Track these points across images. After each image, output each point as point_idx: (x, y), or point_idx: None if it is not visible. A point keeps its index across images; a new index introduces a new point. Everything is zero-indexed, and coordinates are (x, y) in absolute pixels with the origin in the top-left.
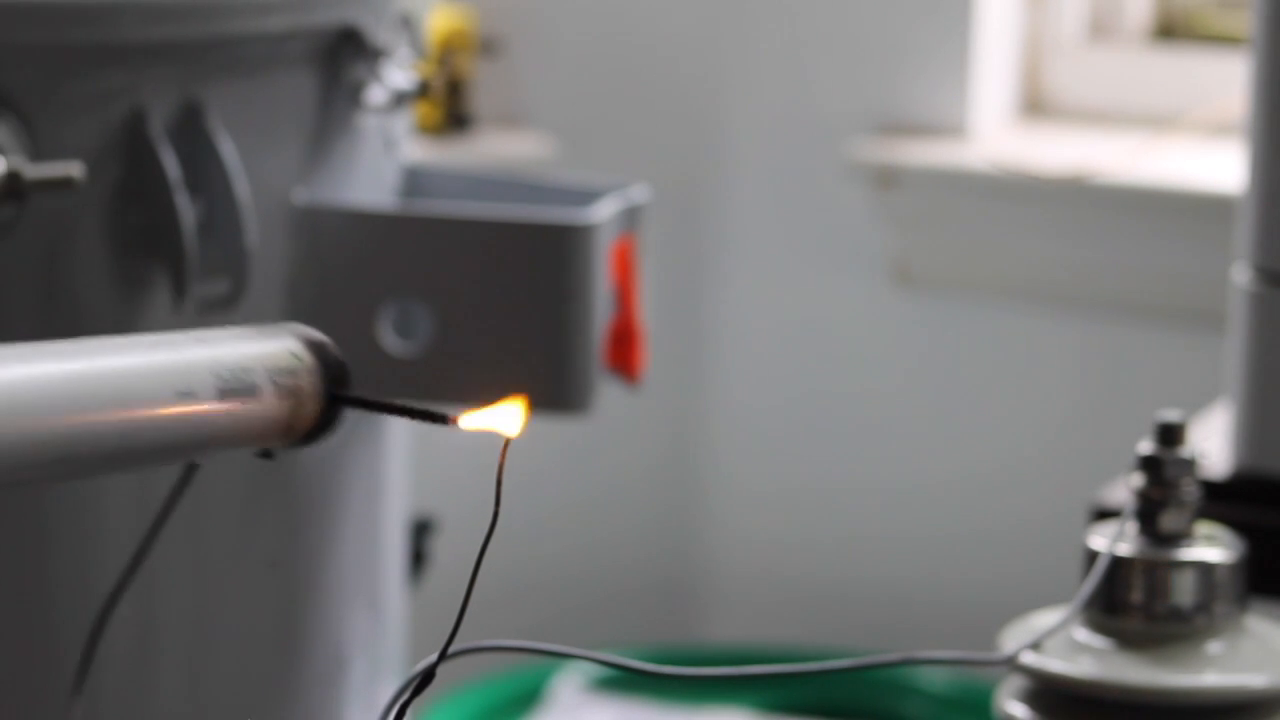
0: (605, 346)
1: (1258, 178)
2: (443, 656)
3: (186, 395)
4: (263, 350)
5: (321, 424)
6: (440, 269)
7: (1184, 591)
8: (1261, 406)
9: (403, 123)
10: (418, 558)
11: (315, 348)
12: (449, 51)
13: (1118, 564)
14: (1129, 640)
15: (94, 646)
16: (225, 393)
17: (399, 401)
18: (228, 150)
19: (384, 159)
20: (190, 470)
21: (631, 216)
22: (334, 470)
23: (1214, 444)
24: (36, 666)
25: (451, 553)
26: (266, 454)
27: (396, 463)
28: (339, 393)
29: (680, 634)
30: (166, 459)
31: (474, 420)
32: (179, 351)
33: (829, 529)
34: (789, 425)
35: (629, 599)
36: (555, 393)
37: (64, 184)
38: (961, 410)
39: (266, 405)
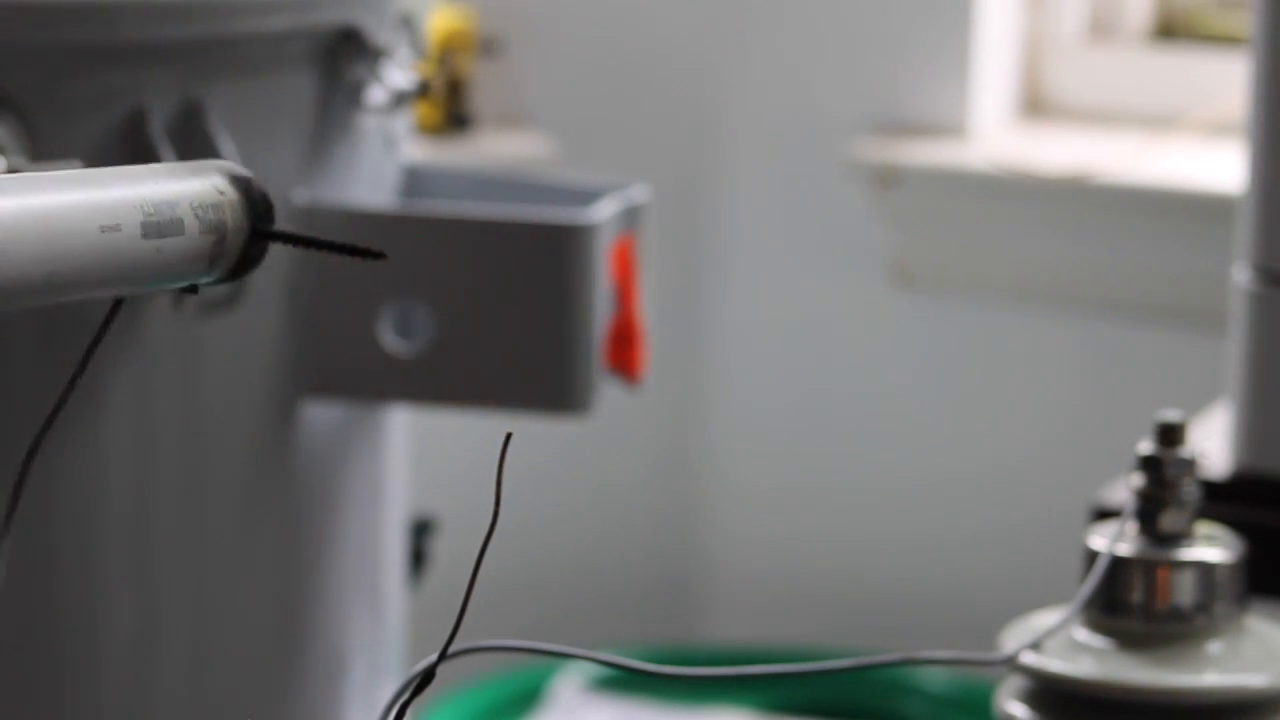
0: (605, 346)
1: (1258, 178)
2: (443, 656)
3: (111, 229)
4: (188, 187)
5: (245, 259)
6: (440, 269)
7: (1184, 591)
8: (1261, 406)
9: (403, 123)
10: (418, 558)
11: (240, 183)
12: (449, 51)
13: (1118, 564)
14: (1129, 640)
15: (21, 485)
16: (150, 227)
17: (320, 238)
18: (228, 150)
19: (384, 159)
20: (117, 305)
21: (631, 216)
22: (334, 470)
23: (1214, 444)
24: (32, 662)
25: (451, 553)
26: (191, 289)
27: (396, 463)
28: (263, 227)
29: (680, 634)
30: (92, 291)
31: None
32: (104, 187)
33: (829, 529)
34: (789, 425)
35: (629, 599)
36: (555, 393)
37: None
38: (961, 410)
39: (190, 240)
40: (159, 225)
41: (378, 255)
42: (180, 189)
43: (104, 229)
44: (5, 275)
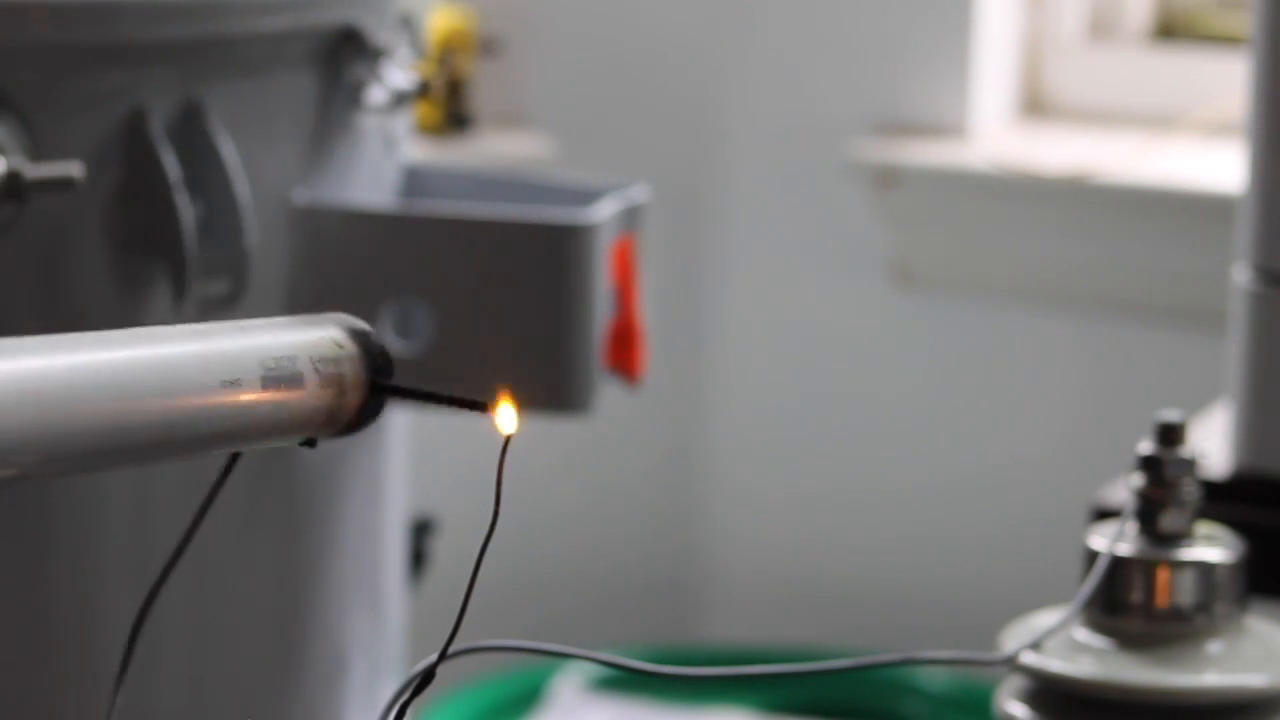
0: (605, 346)
1: (1258, 178)
2: (443, 656)
3: (232, 384)
4: (306, 339)
5: (364, 413)
6: (440, 269)
7: (1184, 591)
8: (1261, 406)
9: (403, 123)
10: (418, 558)
11: (358, 336)
12: (449, 51)
13: (1118, 564)
14: (1129, 640)
15: (134, 641)
16: (270, 381)
17: (440, 391)
18: (228, 150)
19: (384, 159)
20: (234, 459)
21: (631, 216)
22: (334, 470)
23: (1214, 444)
24: (31, 665)
25: (451, 553)
26: (309, 442)
27: (396, 463)
28: (381, 381)
29: (680, 634)
30: (212, 447)
31: (507, 413)
32: (224, 340)
33: (829, 529)
34: (789, 425)
35: (629, 599)
36: (555, 393)
37: (64, 184)
38: (961, 410)
39: (310, 394)
40: (279, 379)
41: (488, 409)
42: (299, 341)
43: (224, 383)
44: (124, 430)
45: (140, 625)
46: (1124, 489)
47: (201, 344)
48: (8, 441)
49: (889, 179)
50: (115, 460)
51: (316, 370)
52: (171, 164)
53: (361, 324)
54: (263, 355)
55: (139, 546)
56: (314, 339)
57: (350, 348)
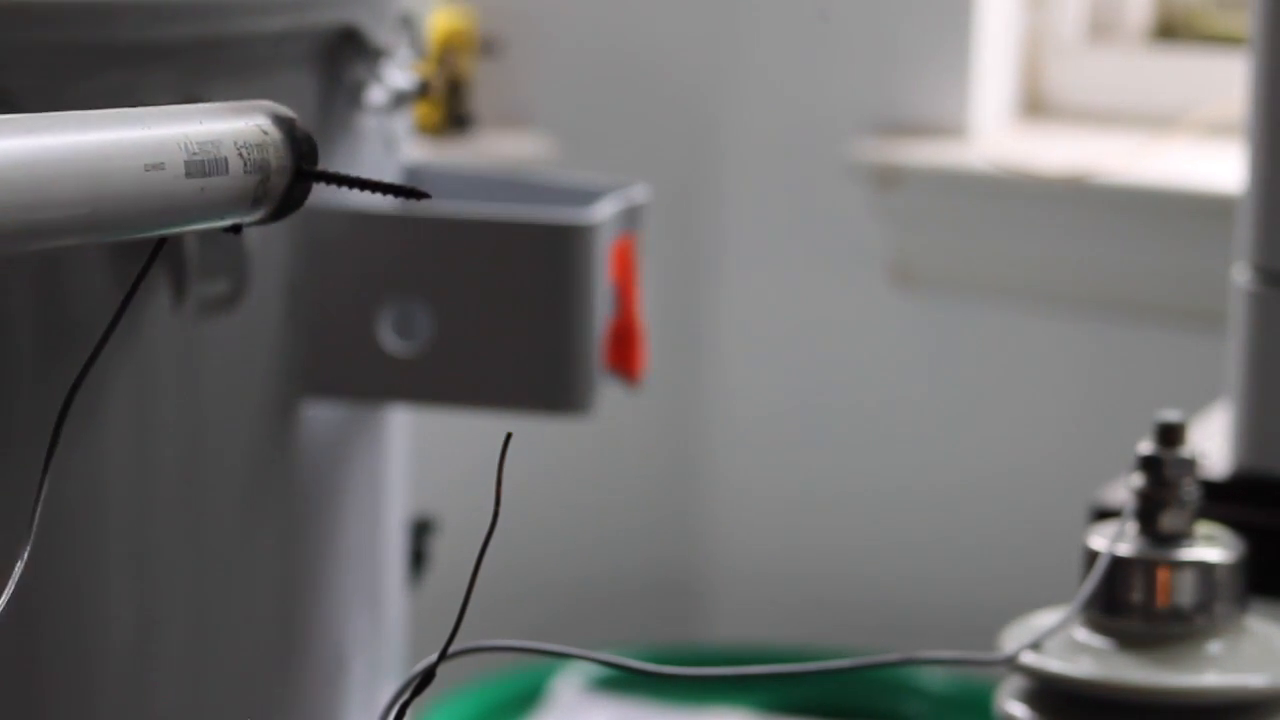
0: (605, 346)
1: (1258, 178)
2: (443, 656)
3: (155, 168)
4: (231, 126)
5: (288, 199)
6: (440, 269)
7: (1184, 591)
8: (1261, 406)
9: (403, 123)
10: (418, 558)
11: (283, 123)
12: (449, 51)
13: (1118, 564)
14: (1129, 640)
15: (58, 431)
16: (194, 165)
17: (364, 178)
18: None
19: (384, 159)
20: (159, 245)
21: (631, 216)
22: (334, 470)
23: (1214, 444)
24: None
25: (451, 553)
26: (235, 229)
27: (396, 463)
28: (306, 167)
29: (680, 634)
30: (136, 230)
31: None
32: (148, 126)
33: (829, 529)
34: (789, 425)
35: (629, 599)
36: (555, 393)
37: None
38: (961, 410)
39: (234, 179)
40: (203, 164)
41: (421, 195)
42: (224, 128)
43: (148, 167)
44: (49, 213)
45: (66, 410)
46: (1124, 489)
47: (126, 129)
48: None
49: (889, 179)
50: (41, 239)
51: (241, 156)
52: None
53: (287, 111)
54: (187, 140)
55: (139, 547)
56: (239, 126)
57: (275, 134)
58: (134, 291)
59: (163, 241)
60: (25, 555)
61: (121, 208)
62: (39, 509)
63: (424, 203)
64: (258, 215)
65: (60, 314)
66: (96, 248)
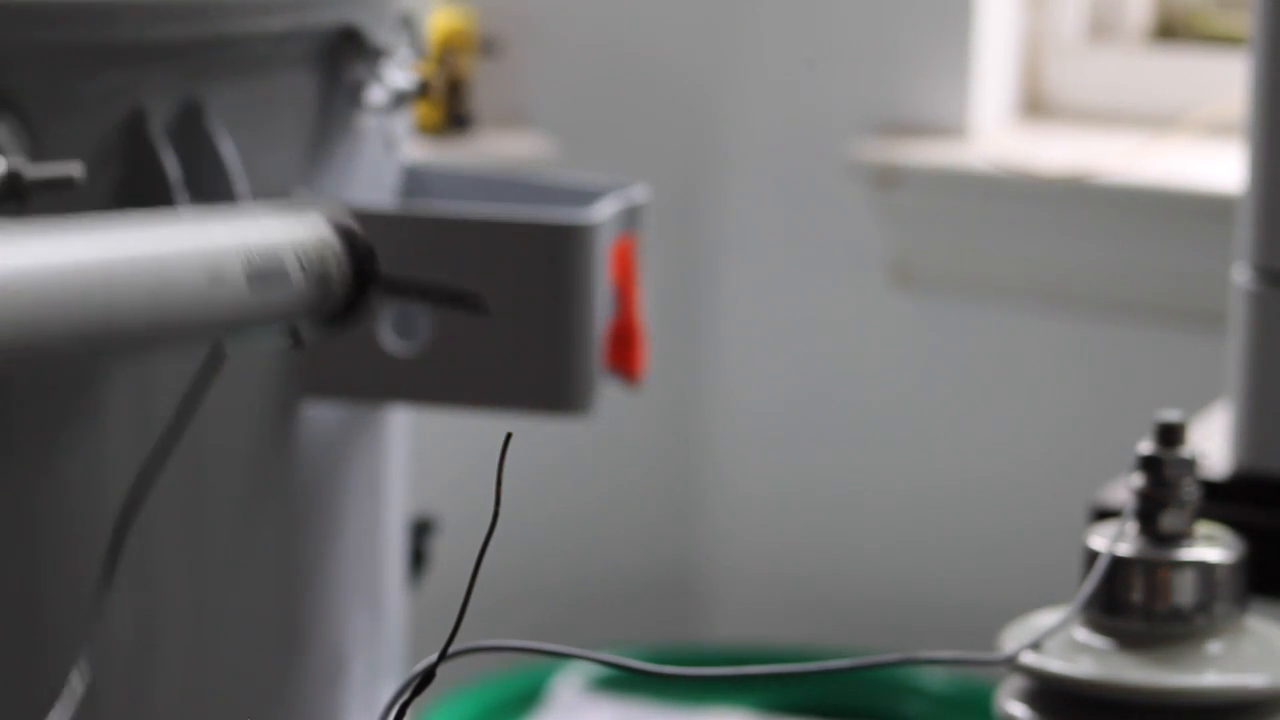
0: (605, 346)
1: (1258, 178)
2: (443, 656)
3: (216, 278)
4: (292, 234)
5: (349, 308)
6: (440, 269)
7: (1184, 591)
8: (1261, 406)
9: (403, 123)
10: (418, 558)
11: (343, 232)
12: (449, 51)
13: (1118, 564)
14: (1129, 640)
15: (120, 542)
16: (254, 276)
17: (426, 284)
18: (228, 150)
19: (384, 159)
20: (218, 352)
21: (631, 216)
22: (334, 470)
23: (1214, 444)
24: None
25: (451, 553)
26: (296, 340)
27: (396, 463)
28: (366, 277)
29: (680, 634)
30: (196, 340)
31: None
32: (209, 234)
33: (829, 529)
34: (789, 425)
35: (629, 599)
36: (555, 393)
37: (64, 184)
38: (961, 410)
39: (295, 288)
40: (264, 275)
41: (483, 308)
42: (285, 238)
43: (210, 279)
44: (112, 325)
45: (128, 520)
46: (1124, 489)
47: (187, 239)
48: None
49: (889, 179)
50: (102, 350)
51: (301, 266)
52: (171, 164)
53: (348, 219)
54: (248, 250)
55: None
56: (300, 234)
57: (335, 242)
58: (197, 400)
59: (221, 352)
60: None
61: (184, 320)
62: (101, 614)
63: (424, 203)
64: (318, 325)
65: None
66: None
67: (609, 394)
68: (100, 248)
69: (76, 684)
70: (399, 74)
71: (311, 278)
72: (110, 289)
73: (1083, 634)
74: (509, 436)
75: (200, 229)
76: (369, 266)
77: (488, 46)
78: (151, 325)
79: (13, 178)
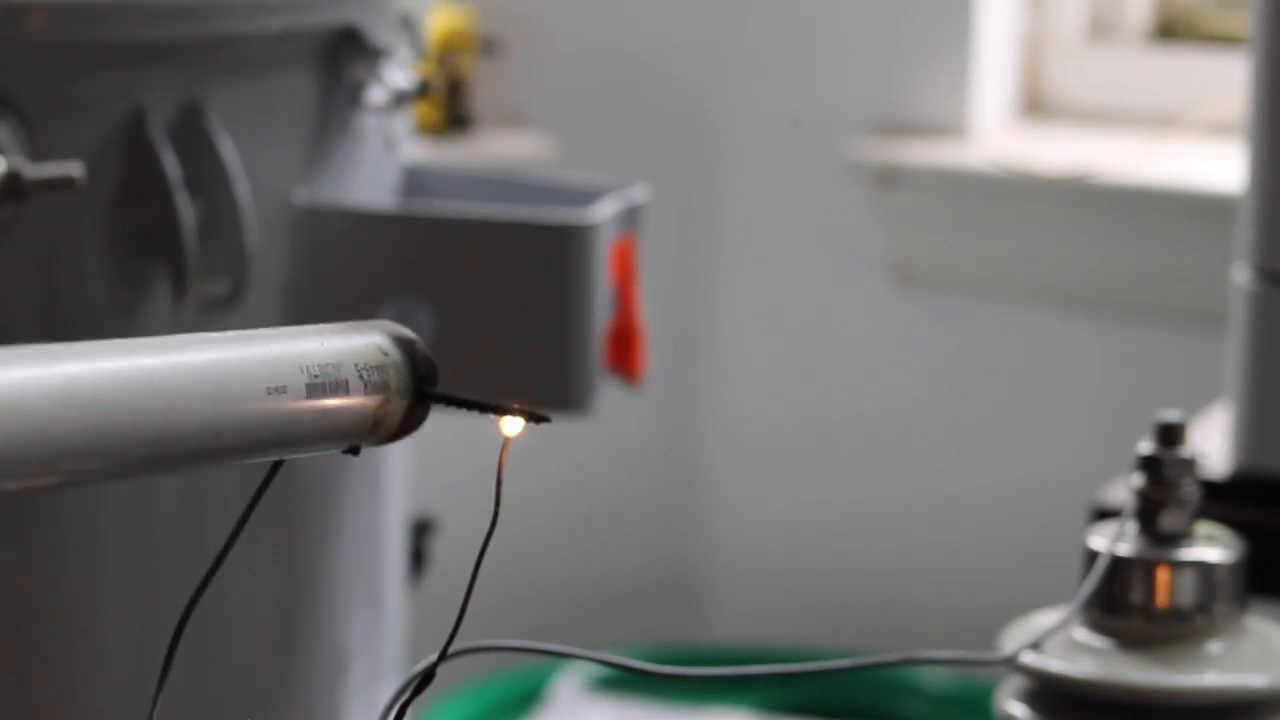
0: (605, 346)
1: (1258, 178)
2: (443, 656)
3: (277, 391)
4: (351, 346)
5: (409, 421)
6: (440, 269)
7: (1184, 591)
8: (1261, 406)
9: (403, 123)
10: (418, 558)
11: (403, 344)
12: (449, 51)
13: (1118, 564)
14: (1129, 640)
15: (174, 649)
16: (315, 388)
17: (486, 402)
18: (228, 150)
19: (384, 159)
20: (276, 467)
21: (631, 216)
22: (334, 470)
23: (1214, 444)
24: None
25: (451, 553)
26: (353, 450)
27: (396, 463)
28: (426, 389)
29: (680, 634)
30: (257, 454)
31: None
32: (268, 346)
33: (829, 529)
34: (788, 425)
35: (629, 599)
36: (555, 393)
37: (64, 184)
38: (961, 410)
39: (355, 401)
40: (324, 386)
41: (542, 419)
42: (344, 348)
43: (270, 390)
44: (170, 437)
45: (180, 633)
46: (1124, 489)
47: (247, 350)
48: (55, 447)
49: (889, 179)
50: (161, 467)
51: (361, 377)
52: (171, 164)
53: (407, 331)
54: (308, 361)
55: (139, 546)
56: (359, 345)
57: (395, 355)
58: (249, 513)
59: (279, 464)
60: None
61: (243, 432)
62: (158, 700)
63: (424, 203)
64: (377, 437)
65: (61, 312)
66: (93, 241)
67: (609, 394)
68: (160, 357)
69: None
70: (399, 74)
71: (371, 389)
72: (170, 400)
73: (1083, 634)
74: (509, 438)
75: (259, 339)
76: (428, 378)
77: (488, 46)
78: (213, 439)
79: (13, 178)
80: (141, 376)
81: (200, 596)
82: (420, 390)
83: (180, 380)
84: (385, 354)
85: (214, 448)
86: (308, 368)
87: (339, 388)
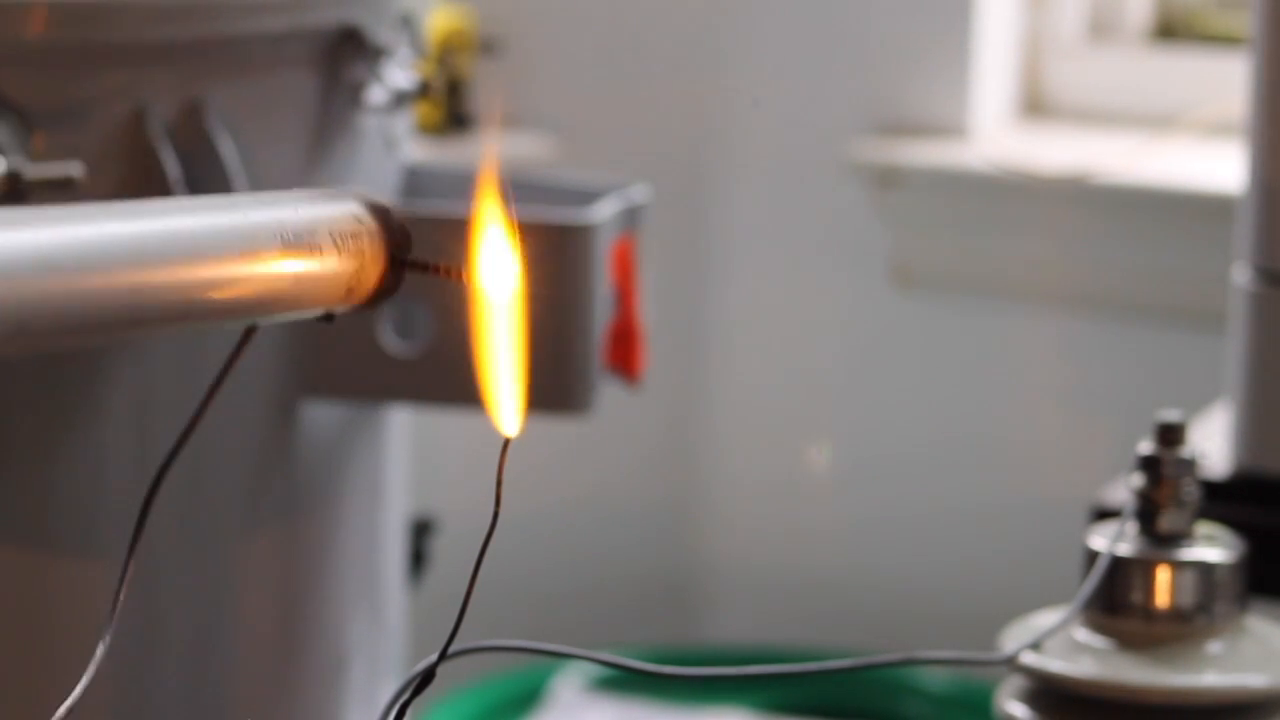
0: (605, 346)
1: (1258, 178)
2: (443, 656)
3: (250, 255)
4: (326, 213)
5: (383, 287)
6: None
7: (1184, 591)
8: (1261, 406)
9: (403, 123)
10: (418, 558)
11: (377, 211)
12: (449, 51)
13: (1118, 564)
14: (1129, 640)
15: (144, 518)
16: (289, 253)
17: (455, 265)
18: (228, 150)
19: (384, 159)
20: (249, 332)
21: (631, 216)
22: (334, 470)
23: (1214, 444)
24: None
25: (451, 553)
26: (327, 317)
27: (396, 463)
28: (400, 255)
29: (680, 634)
30: (229, 318)
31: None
32: (243, 212)
33: (829, 530)
34: (788, 425)
35: (629, 599)
36: (555, 393)
37: (64, 184)
38: (961, 409)
39: (329, 267)
40: (297, 251)
41: (513, 284)
42: (319, 216)
43: (243, 254)
44: (141, 299)
45: (149, 504)
46: (1124, 489)
47: (222, 215)
48: (26, 310)
49: (889, 179)
50: (136, 329)
51: (336, 244)
52: (171, 164)
53: (381, 199)
54: (283, 228)
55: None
56: (334, 213)
57: (369, 222)
58: (222, 379)
59: (252, 329)
60: (106, 640)
61: (217, 295)
62: (123, 590)
63: (424, 203)
64: (350, 304)
65: None
66: None
67: (609, 394)
68: (132, 222)
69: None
70: (399, 74)
71: (345, 254)
72: (142, 263)
73: (1083, 634)
74: (509, 438)
75: (234, 206)
76: (402, 245)
77: (488, 46)
78: (184, 303)
79: (13, 178)
80: (117, 239)
81: (168, 470)
82: (394, 256)
83: (155, 243)
84: (359, 221)
85: (188, 310)
86: (282, 234)
87: (313, 253)
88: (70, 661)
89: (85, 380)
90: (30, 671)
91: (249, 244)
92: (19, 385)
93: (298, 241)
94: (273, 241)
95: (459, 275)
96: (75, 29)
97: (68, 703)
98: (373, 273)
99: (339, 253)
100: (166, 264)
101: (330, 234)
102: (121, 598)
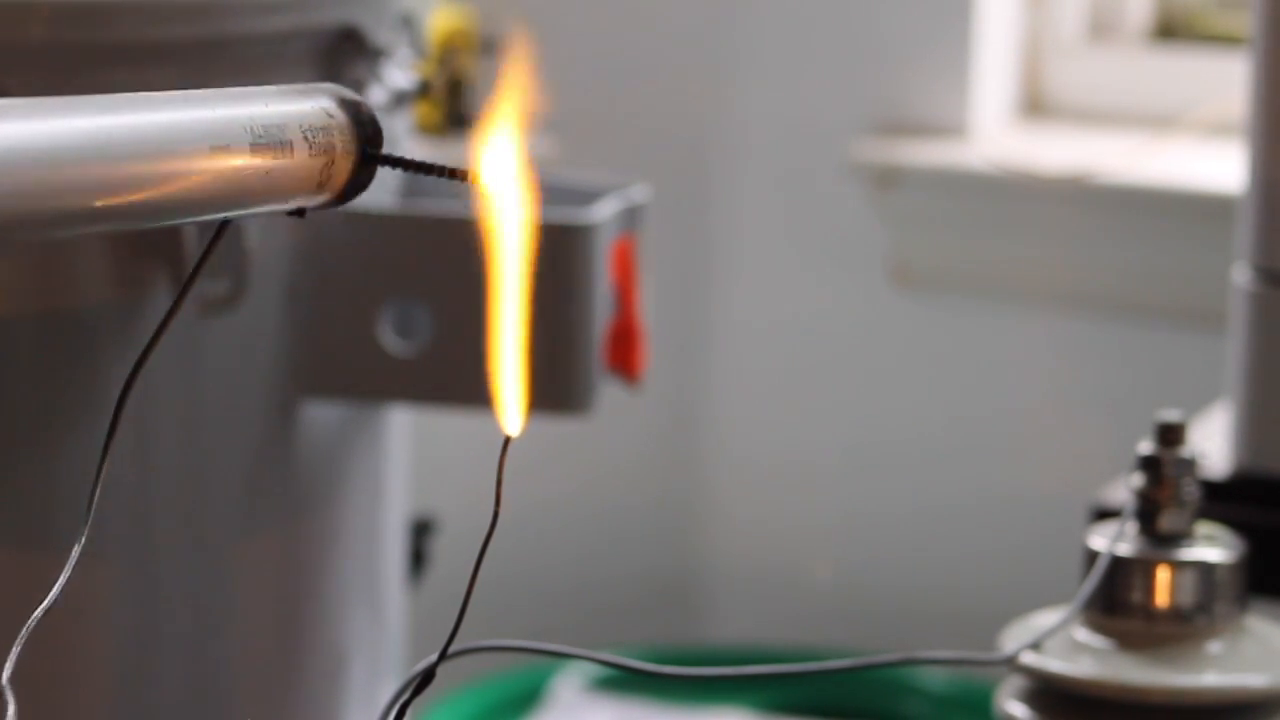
0: (605, 346)
1: (1258, 178)
2: (443, 656)
3: (220, 149)
4: (297, 108)
5: (354, 183)
6: (440, 269)
7: (1184, 591)
8: (1261, 406)
9: (403, 123)
10: (418, 558)
11: (349, 106)
12: (449, 51)
13: (1118, 564)
14: (1129, 640)
15: (114, 428)
16: (259, 148)
17: (427, 162)
18: None
19: None
20: (222, 228)
21: (631, 216)
22: (334, 470)
23: (1214, 444)
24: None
25: (451, 553)
26: (298, 212)
27: (396, 463)
28: (372, 151)
29: (680, 634)
30: (198, 213)
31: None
32: (212, 107)
33: (829, 530)
34: (788, 425)
35: (629, 599)
36: (555, 393)
37: None
38: (961, 409)
39: (299, 161)
40: (268, 147)
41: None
42: (289, 111)
43: (214, 149)
44: (114, 195)
45: (120, 410)
46: (1124, 489)
47: (191, 110)
48: None
49: (889, 179)
50: (105, 221)
51: (306, 139)
52: None
53: (353, 94)
54: (252, 122)
55: (139, 546)
56: (305, 108)
57: (340, 117)
58: (195, 276)
59: (225, 224)
60: (81, 541)
61: (186, 190)
62: (97, 492)
63: (424, 203)
64: (322, 199)
65: (61, 311)
66: (97, 241)
67: (609, 394)
68: (101, 116)
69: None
70: (399, 74)
71: (316, 149)
72: (110, 157)
73: (1083, 634)
74: (509, 437)
75: (203, 101)
76: (374, 140)
77: (488, 46)
78: (154, 196)
79: None
80: (86, 133)
81: (142, 366)
82: (365, 152)
83: (125, 136)
84: (331, 116)
85: (158, 204)
86: (252, 128)
87: (284, 148)
88: (70, 661)
89: (85, 380)
90: (30, 671)
91: (219, 139)
92: (19, 385)
93: (268, 135)
94: (243, 136)
95: (426, 170)
96: (76, 29)
97: (44, 604)
98: (344, 167)
99: (309, 147)
100: (135, 158)
101: (301, 128)
102: (95, 498)
